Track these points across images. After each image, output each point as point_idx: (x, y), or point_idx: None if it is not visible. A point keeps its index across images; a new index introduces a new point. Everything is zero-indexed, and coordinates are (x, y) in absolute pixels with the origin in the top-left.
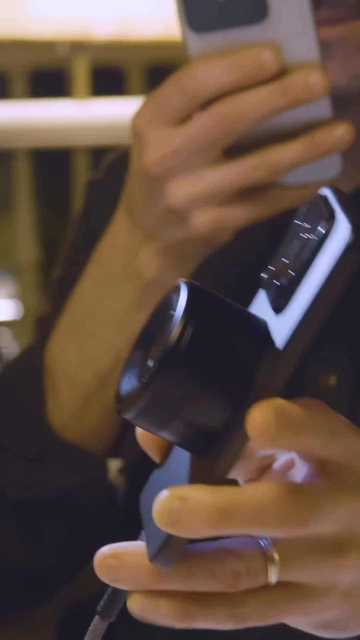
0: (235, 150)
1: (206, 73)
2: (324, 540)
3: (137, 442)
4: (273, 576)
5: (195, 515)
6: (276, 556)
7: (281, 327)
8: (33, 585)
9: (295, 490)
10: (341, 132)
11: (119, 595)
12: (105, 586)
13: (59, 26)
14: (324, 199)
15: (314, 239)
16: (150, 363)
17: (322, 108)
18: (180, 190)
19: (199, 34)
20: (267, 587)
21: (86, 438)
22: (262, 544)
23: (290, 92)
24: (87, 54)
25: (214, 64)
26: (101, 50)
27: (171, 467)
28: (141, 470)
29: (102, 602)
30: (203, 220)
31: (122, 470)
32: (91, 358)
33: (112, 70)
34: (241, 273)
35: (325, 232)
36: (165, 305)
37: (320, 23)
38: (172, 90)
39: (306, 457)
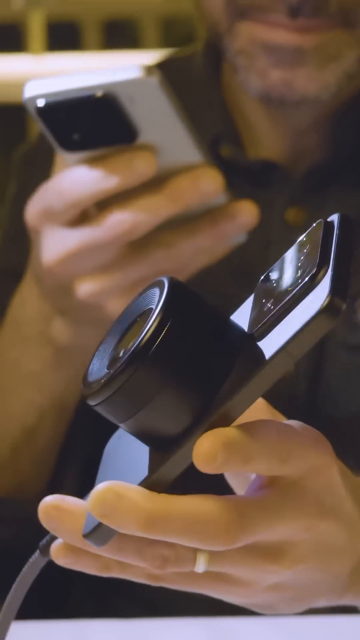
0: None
1: (81, 182)
2: (258, 545)
3: (73, 484)
4: (200, 567)
5: (125, 516)
6: (206, 551)
7: (255, 351)
8: None
9: (230, 508)
10: (244, 218)
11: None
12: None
13: None
14: (327, 234)
15: (300, 283)
16: (122, 354)
17: (219, 198)
18: (86, 288)
19: (72, 152)
20: None
21: (19, 487)
22: None
23: (181, 198)
24: (42, 9)
25: (88, 174)
26: (57, 4)
27: (133, 440)
28: None
29: (44, 540)
30: (115, 307)
31: None
32: (14, 415)
33: (68, 24)
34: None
35: (311, 283)
36: (146, 298)
37: (297, 30)
38: (54, 197)
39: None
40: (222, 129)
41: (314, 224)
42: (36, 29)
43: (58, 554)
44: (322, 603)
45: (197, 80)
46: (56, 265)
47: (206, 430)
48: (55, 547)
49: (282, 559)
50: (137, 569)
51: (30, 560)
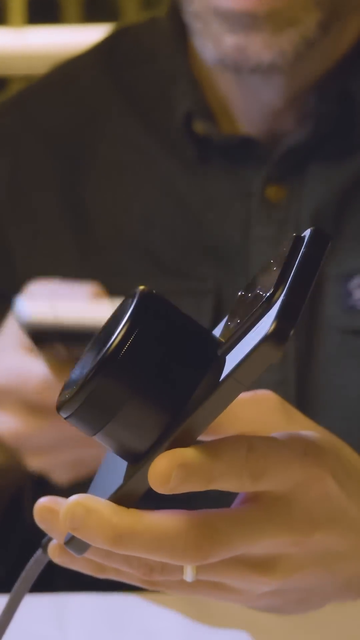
0: None
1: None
2: (247, 557)
3: (19, 532)
4: (188, 577)
5: (93, 530)
6: None
7: (217, 369)
8: None
9: (200, 524)
10: None
11: None
12: None
13: None
14: (294, 250)
15: (261, 302)
16: None
17: None
18: (36, 461)
19: None
20: None
21: None
22: None
23: None
24: None
25: None
26: None
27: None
28: (18, 559)
29: (46, 538)
30: (64, 477)
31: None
32: None
33: None
34: None
35: (267, 304)
36: (122, 309)
37: None
38: (18, 387)
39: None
40: (192, 103)
41: (288, 238)
42: (16, 2)
43: (54, 553)
44: (337, 602)
45: (162, 51)
46: (9, 437)
47: (168, 448)
48: (51, 546)
49: (273, 571)
50: (132, 574)
51: (33, 557)
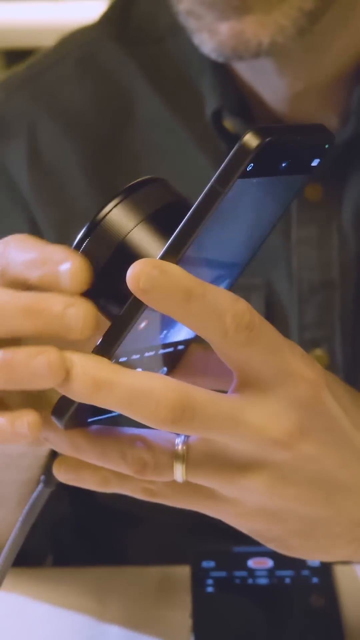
0: None
1: None
2: (231, 457)
3: None
4: (178, 475)
5: (78, 381)
6: (184, 457)
7: None
8: None
9: (180, 389)
10: None
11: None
12: None
13: None
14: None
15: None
16: None
17: None
18: None
19: None
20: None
21: None
22: (176, 443)
23: None
24: None
25: None
26: None
27: None
28: None
29: (45, 471)
30: None
31: None
32: None
33: None
34: None
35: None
36: None
37: None
38: None
39: (228, 361)
40: (222, 98)
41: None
42: None
43: (59, 469)
44: (342, 555)
45: (183, 27)
46: None
47: None
48: (55, 464)
49: (252, 474)
50: (134, 484)
51: (35, 492)
